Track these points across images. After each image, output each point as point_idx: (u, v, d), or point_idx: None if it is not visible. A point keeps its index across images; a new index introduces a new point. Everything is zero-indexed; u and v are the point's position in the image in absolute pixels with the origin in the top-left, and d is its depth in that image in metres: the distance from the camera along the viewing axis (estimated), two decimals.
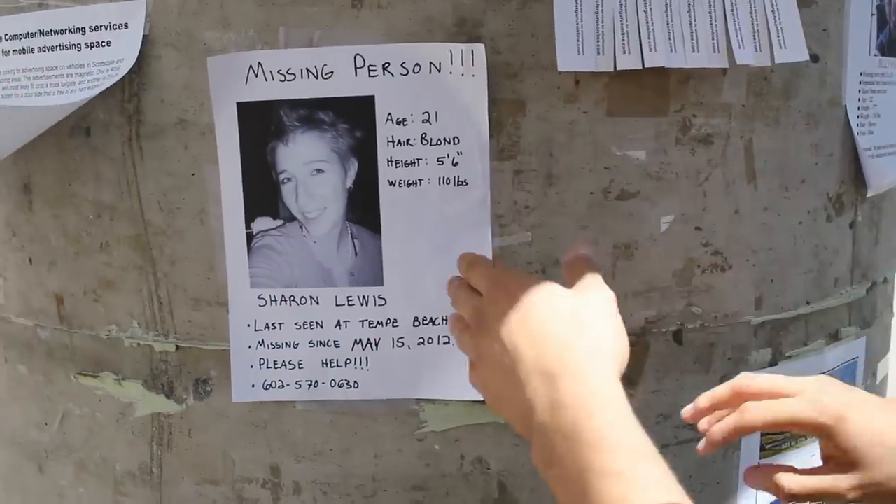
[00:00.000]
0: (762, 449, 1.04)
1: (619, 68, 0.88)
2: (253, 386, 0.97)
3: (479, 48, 0.88)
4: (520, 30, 0.90)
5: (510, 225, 0.94)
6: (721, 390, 0.79)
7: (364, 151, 0.92)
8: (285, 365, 0.97)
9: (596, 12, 0.89)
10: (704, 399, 0.79)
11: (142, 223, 0.98)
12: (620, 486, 0.59)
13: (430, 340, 0.95)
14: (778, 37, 0.94)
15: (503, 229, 0.94)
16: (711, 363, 1.01)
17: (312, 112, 0.91)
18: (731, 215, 0.99)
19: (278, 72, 0.91)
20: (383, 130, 0.91)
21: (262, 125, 0.92)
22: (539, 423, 0.65)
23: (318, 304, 0.95)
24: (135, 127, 0.96)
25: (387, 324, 0.95)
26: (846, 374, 1.13)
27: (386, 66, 0.90)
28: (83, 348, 1.04)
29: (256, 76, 0.91)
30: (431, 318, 0.95)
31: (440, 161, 0.92)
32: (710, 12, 0.91)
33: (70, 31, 0.96)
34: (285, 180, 0.93)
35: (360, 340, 0.96)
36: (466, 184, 0.92)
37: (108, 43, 0.95)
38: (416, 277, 0.95)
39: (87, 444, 1.06)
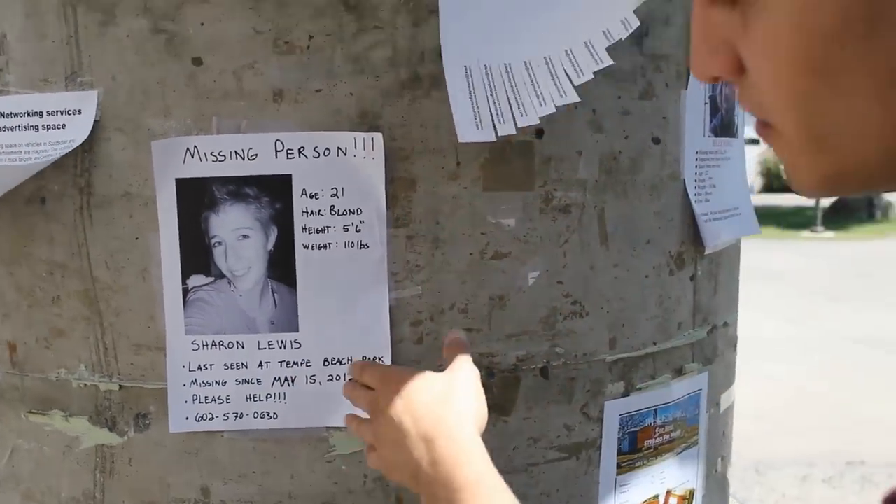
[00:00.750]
0: (618, 467, 1.10)
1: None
2: (187, 418, 1.00)
3: (378, 136, 0.93)
4: (411, 121, 0.95)
5: (404, 281, 0.98)
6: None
7: (283, 220, 0.95)
8: (215, 400, 0.99)
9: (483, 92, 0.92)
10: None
11: (90, 280, 1.00)
12: None
13: (338, 377, 0.98)
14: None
15: (398, 284, 0.98)
16: (573, 394, 1.05)
17: (240, 187, 0.95)
18: (587, 271, 1.04)
19: (211, 153, 0.94)
20: (299, 203, 0.95)
21: (197, 197, 0.95)
22: (424, 476, 0.79)
23: (243, 347, 0.98)
24: (86, 198, 0.99)
25: (301, 364, 0.98)
26: (690, 403, 1.18)
27: (301, 149, 0.94)
28: (33, 389, 1.05)
29: (193, 157, 0.94)
30: (339, 359, 0.98)
31: (346, 228, 0.95)
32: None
33: (29, 114, 0.98)
34: (216, 244, 0.96)
35: (279, 378, 0.99)
36: (367, 247, 0.96)
37: (63, 126, 0.97)
38: (326, 325, 0.98)
39: (34, 475, 1.07)
